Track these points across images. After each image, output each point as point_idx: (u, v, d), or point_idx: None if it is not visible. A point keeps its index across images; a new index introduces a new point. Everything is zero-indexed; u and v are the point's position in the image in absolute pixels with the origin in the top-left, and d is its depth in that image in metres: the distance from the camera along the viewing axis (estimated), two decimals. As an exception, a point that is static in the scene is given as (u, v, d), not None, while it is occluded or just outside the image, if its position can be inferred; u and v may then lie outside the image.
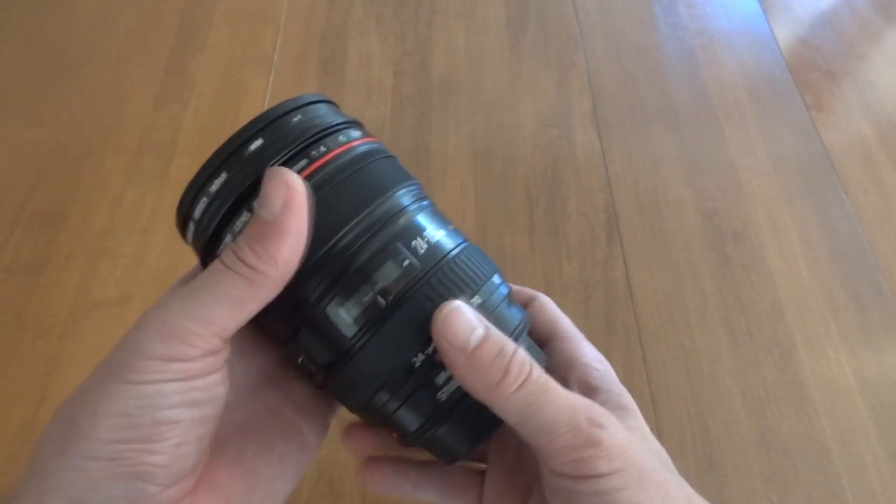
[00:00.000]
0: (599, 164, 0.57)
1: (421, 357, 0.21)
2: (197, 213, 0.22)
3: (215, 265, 0.19)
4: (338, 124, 0.23)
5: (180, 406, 0.19)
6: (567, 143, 0.58)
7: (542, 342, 0.27)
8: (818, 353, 0.47)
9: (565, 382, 0.23)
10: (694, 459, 0.42)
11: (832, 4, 0.72)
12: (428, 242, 0.22)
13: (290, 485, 0.24)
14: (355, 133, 0.23)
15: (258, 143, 0.21)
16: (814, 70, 0.65)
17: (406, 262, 0.21)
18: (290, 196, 0.19)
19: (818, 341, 0.47)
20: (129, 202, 0.52)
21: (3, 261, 0.49)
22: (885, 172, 0.57)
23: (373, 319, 0.21)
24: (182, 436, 0.19)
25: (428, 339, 0.21)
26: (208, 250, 0.22)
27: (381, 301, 0.21)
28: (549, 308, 0.27)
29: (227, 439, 0.22)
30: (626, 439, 0.20)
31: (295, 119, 0.22)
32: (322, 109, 0.23)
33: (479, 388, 0.20)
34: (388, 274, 0.21)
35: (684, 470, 0.41)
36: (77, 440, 0.18)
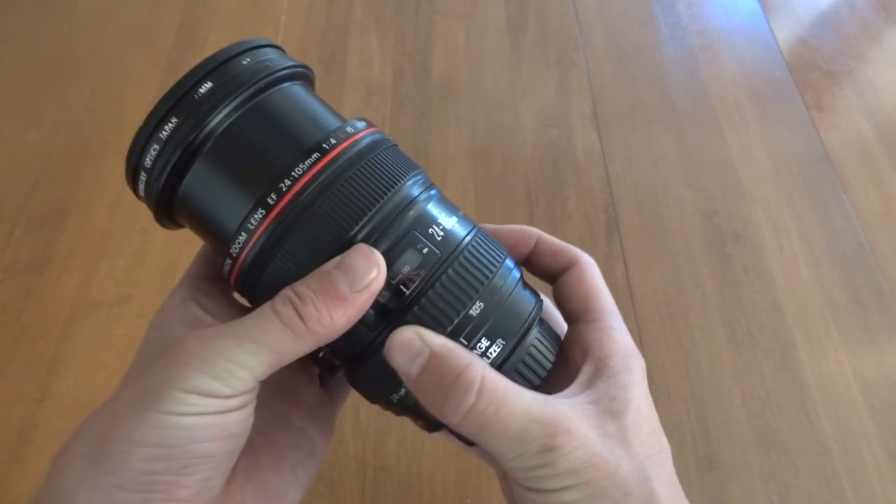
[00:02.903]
0: (599, 164, 0.57)
1: None
2: (147, 161, 0.22)
3: (266, 311, 0.20)
4: (286, 67, 0.23)
5: (216, 439, 0.19)
6: (567, 143, 0.58)
7: (571, 318, 0.25)
8: (818, 353, 0.47)
9: (576, 370, 0.23)
10: (694, 459, 0.42)
11: (832, 4, 0.72)
12: (444, 230, 0.22)
13: (300, 494, 0.24)
14: (360, 124, 0.23)
15: (208, 85, 0.21)
16: (814, 70, 0.65)
17: (426, 250, 0.21)
18: (376, 281, 0.20)
19: (818, 341, 0.47)
20: (129, 202, 0.52)
21: (3, 261, 0.49)
22: (885, 172, 0.57)
23: (397, 309, 0.21)
24: (212, 469, 0.19)
25: (451, 325, 0.21)
26: (161, 205, 0.23)
27: (404, 290, 0.21)
28: (588, 280, 0.25)
29: (241, 453, 0.22)
30: (584, 457, 0.19)
31: (244, 61, 0.22)
32: (270, 53, 0.23)
33: (431, 412, 0.20)
34: (410, 262, 0.21)
35: (684, 470, 0.41)
36: (111, 467, 0.18)
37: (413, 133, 0.58)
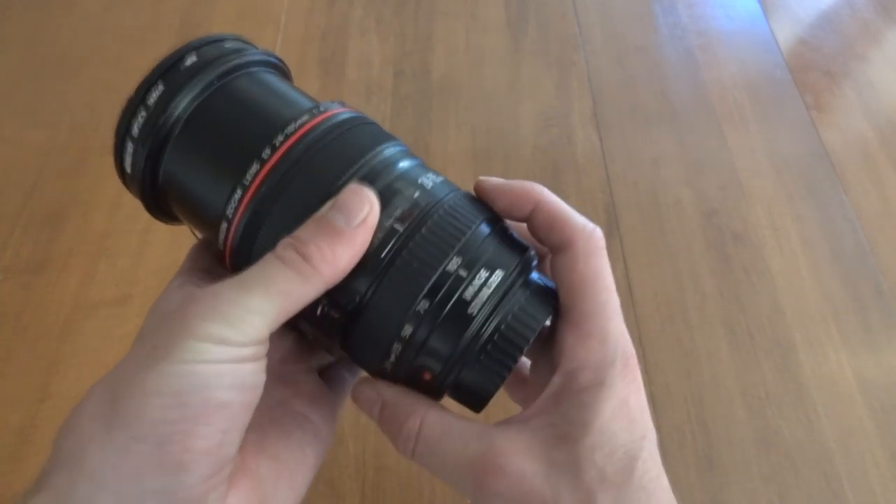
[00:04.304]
0: (599, 164, 0.57)
1: (444, 276, 0.21)
2: (135, 129, 0.24)
3: (269, 259, 0.20)
4: (264, 53, 0.26)
5: (231, 388, 0.18)
6: (567, 143, 0.58)
7: (559, 311, 0.23)
8: (818, 354, 0.47)
9: (552, 371, 0.23)
10: (694, 459, 0.42)
11: (832, 4, 0.72)
12: (432, 181, 0.23)
13: (310, 475, 0.24)
14: (337, 105, 0.25)
15: (192, 58, 0.24)
16: (814, 70, 0.65)
17: (417, 194, 0.22)
18: (371, 215, 0.21)
19: (818, 341, 0.47)
20: (129, 202, 0.52)
21: (3, 261, 0.49)
22: (885, 172, 0.57)
23: (393, 248, 0.21)
24: (230, 420, 0.18)
25: (448, 259, 0.21)
26: (146, 182, 0.25)
27: (399, 229, 0.21)
28: (579, 270, 0.22)
29: (248, 429, 0.21)
30: (515, 496, 0.20)
31: (228, 44, 0.25)
32: (246, 44, 0.26)
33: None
34: (402, 205, 0.22)
35: (684, 470, 0.41)
36: (123, 421, 0.17)
37: (413, 133, 0.58)
